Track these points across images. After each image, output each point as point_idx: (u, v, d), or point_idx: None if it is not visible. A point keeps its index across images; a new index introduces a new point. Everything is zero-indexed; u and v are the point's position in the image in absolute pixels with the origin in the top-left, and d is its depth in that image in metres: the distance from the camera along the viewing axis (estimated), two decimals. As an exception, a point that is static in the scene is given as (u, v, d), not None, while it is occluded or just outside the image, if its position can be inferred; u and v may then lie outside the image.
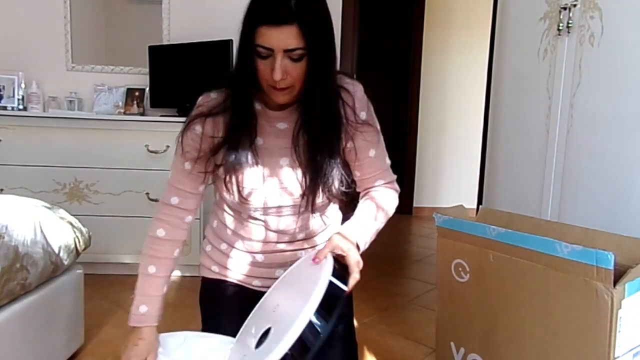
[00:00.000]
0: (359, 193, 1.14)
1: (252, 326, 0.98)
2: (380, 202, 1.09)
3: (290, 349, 0.77)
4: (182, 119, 1.09)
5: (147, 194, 2.56)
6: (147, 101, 2.92)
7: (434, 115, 4.38)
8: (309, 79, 0.96)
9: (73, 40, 2.95)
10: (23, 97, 2.78)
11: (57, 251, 1.55)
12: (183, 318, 2.01)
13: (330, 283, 0.84)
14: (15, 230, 1.41)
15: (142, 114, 2.84)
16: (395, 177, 1.16)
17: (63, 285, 1.63)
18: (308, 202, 1.06)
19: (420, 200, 4.43)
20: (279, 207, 1.08)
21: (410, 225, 4.11)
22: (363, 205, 1.09)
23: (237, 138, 1.02)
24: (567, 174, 1.64)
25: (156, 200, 2.52)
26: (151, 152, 2.53)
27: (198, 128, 1.05)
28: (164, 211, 1.09)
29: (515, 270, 1.21)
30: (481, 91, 2.51)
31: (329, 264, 0.89)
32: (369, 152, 1.09)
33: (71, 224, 1.68)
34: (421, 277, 2.77)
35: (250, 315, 1.02)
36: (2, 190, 2.48)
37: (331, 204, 1.15)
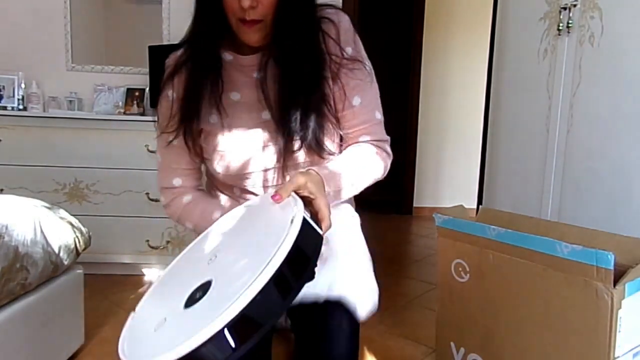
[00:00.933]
0: None
1: (174, 284, 0.75)
2: (359, 155, 0.90)
3: (250, 304, 0.54)
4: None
5: (147, 194, 2.56)
6: (147, 101, 2.91)
7: (434, 116, 4.38)
8: (282, 9, 0.82)
9: (73, 40, 2.95)
10: (23, 97, 2.77)
11: (57, 251, 1.55)
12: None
13: (305, 222, 0.64)
14: (15, 230, 1.41)
15: (142, 114, 2.83)
16: (387, 138, 0.96)
17: (63, 285, 1.63)
18: (279, 161, 0.87)
19: (420, 200, 4.43)
20: (267, 170, 0.92)
21: (410, 225, 4.10)
22: (336, 157, 0.91)
23: (200, 91, 0.86)
24: (567, 174, 1.64)
25: (156, 200, 2.52)
26: (151, 152, 2.53)
27: (170, 93, 0.92)
28: (168, 195, 0.97)
29: (515, 270, 1.21)
30: (481, 91, 2.51)
31: (299, 201, 0.69)
32: (353, 99, 0.90)
33: (71, 224, 1.68)
34: (421, 277, 2.77)
35: (167, 270, 0.80)
36: (2, 190, 2.47)
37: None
